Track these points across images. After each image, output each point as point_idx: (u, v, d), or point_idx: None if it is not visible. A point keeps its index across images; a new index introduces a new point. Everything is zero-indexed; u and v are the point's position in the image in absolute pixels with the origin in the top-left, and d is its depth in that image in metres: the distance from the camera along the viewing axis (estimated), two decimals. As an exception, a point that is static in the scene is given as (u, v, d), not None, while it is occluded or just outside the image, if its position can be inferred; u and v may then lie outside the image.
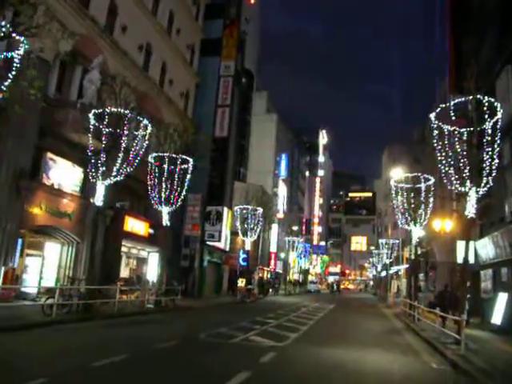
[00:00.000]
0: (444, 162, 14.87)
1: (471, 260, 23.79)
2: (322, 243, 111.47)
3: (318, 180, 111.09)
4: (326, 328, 18.03)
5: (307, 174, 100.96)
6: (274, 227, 60.93)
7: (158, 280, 28.63)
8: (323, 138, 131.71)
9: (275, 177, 64.72)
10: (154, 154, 22.86)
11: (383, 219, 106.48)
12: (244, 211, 36.16)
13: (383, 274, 64.40)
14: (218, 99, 38.89)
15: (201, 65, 39.09)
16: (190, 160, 23.25)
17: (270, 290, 53.21)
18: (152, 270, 30.35)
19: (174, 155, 22.74)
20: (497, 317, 18.81)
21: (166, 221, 23.21)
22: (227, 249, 41.30)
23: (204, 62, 39.39)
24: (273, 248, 61.10)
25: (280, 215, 63.55)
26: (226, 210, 38.09)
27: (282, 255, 63.69)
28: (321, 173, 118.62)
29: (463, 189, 14.50)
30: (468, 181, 14.34)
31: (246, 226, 36.03)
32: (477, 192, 14.28)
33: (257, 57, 66.56)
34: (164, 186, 22.33)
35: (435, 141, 15.33)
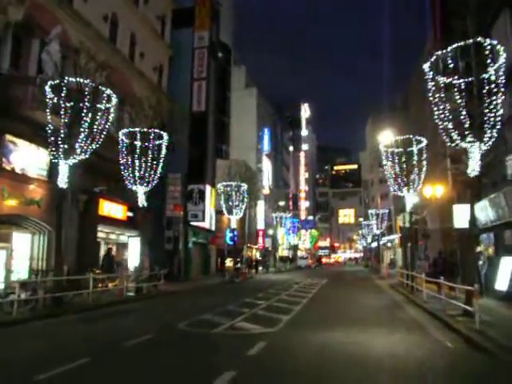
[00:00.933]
0: (442, 116, 13.36)
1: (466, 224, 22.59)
2: (311, 218, 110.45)
3: (302, 154, 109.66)
4: (320, 306, 16.60)
5: (291, 148, 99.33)
6: (260, 204, 59.47)
7: (139, 265, 27.16)
8: (305, 112, 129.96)
9: (258, 152, 63.01)
10: (125, 130, 21.03)
11: (370, 190, 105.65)
12: (228, 188, 34.53)
13: (374, 245, 63.55)
14: (193, 72, 36.97)
15: (174, 37, 36.92)
16: (165, 134, 21.44)
17: (260, 268, 52.07)
18: (134, 256, 28.71)
19: (146, 130, 20.92)
20: (502, 283, 17.52)
21: (142, 201, 21.54)
22: (213, 228, 39.78)
23: (177, 34, 37.23)
24: (260, 225, 59.73)
25: (266, 191, 62.09)
26: (208, 188, 36.46)
27: (270, 232, 62.40)
28: (305, 147, 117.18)
29: (465, 144, 13.02)
30: (469, 135, 12.85)
31: (230, 203, 34.43)
32: (480, 147, 12.83)
33: (233, 30, 64.10)
34: (138, 163, 20.56)
35: (431, 94, 13.79)
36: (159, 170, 21.27)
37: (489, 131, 12.67)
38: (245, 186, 34.56)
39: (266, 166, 64.78)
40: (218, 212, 39.29)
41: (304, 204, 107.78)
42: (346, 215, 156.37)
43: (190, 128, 35.81)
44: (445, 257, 23.78)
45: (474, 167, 13.01)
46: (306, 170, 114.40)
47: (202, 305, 16.90)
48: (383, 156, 23.20)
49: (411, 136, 21.97)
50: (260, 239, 59.68)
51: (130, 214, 28.11)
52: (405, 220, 24.69)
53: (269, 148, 64.90)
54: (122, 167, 20.79)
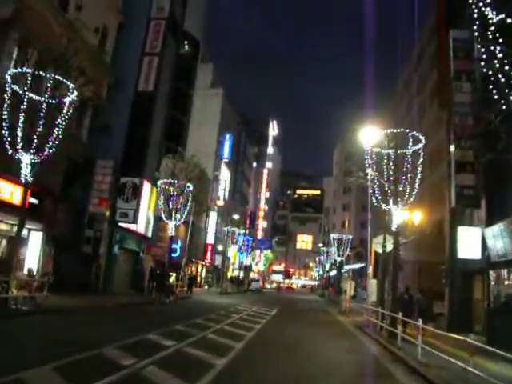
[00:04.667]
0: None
1: (473, 254, 17.10)
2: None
3: (265, 171, 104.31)
4: (260, 362, 10.30)
5: (254, 165, 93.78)
6: (213, 215, 53.32)
7: (37, 269, 20.78)
8: (273, 130, 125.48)
9: (217, 159, 56.99)
10: (13, 70, 14.69)
11: (331, 217, 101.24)
12: (170, 188, 28.25)
13: (333, 273, 58.14)
14: (145, 45, 30.89)
15: (128, 4, 30.86)
16: (70, 84, 15.17)
17: (206, 287, 45.71)
18: (33, 255, 22.12)
19: (41, 73, 14.62)
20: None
21: (25, 175, 15.06)
22: (149, 235, 33.29)
23: (132, 2, 31.25)
24: (210, 239, 53.33)
25: (220, 202, 55.93)
26: (147, 185, 30.12)
27: (222, 248, 56.10)
28: (269, 165, 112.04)
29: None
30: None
31: (170, 206, 28.13)
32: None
33: (203, 25, 58.59)
34: (22, 119, 14.18)
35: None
36: (58, 131, 14.85)
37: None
38: (190, 187, 28.34)
39: (224, 175, 58.73)
40: (160, 218, 32.85)
41: (262, 224, 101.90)
42: (304, 241, 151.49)
43: (133, 110, 29.66)
44: (411, 295, 18.70)
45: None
46: (268, 189, 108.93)
47: (67, 340, 10.45)
48: (367, 156, 17.57)
49: (407, 131, 16.39)
50: (208, 255, 53.24)
51: (35, 201, 21.53)
52: (384, 243, 19.02)
53: (229, 155, 58.89)
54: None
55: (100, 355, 8.55)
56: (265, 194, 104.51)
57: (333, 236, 44.89)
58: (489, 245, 15.20)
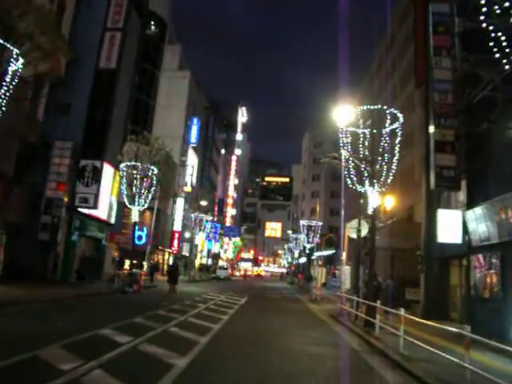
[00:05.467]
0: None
1: (453, 238, 16.30)
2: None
3: (234, 158, 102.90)
4: (227, 360, 8.97)
5: (223, 151, 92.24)
6: (180, 202, 51.75)
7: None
8: (242, 116, 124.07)
9: (185, 144, 55.30)
10: None
11: (300, 205, 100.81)
12: (133, 171, 26.67)
13: (302, 260, 57.54)
14: (107, 20, 29.02)
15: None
16: (14, 50, 13.51)
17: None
18: (-18, 243, 20.44)
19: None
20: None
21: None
22: (112, 221, 31.69)
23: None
24: (177, 226, 51.79)
25: (188, 189, 54.38)
26: (109, 168, 28.48)
27: (188, 235, 54.67)
28: (238, 152, 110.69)
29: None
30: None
31: (134, 190, 26.59)
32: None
33: (170, 5, 56.55)
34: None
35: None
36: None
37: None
38: (155, 170, 26.84)
39: (192, 160, 57.08)
40: (125, 205, 31.19)
41: (231, 211, 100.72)
42: (274, 228, 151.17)
43: (93, 88, 27.90)
44: (379, 282, 18.41)
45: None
46: (237, 176, 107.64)
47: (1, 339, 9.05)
48: (341, 135, 16.49)
49: (384, 107, 15.36)
50: (175, 242, 51.74)
51: (-17, 185, 20.00)
52: (359, 227, 18.07)
53: (197, 140, 57.19)
54: None
55: (36, 358, 7.24)
56: (233, 181, 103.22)
57: (302, 222, 43.94)
58: (470, 228, 14.38)
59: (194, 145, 57.53)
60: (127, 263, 30.55)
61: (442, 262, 19.03)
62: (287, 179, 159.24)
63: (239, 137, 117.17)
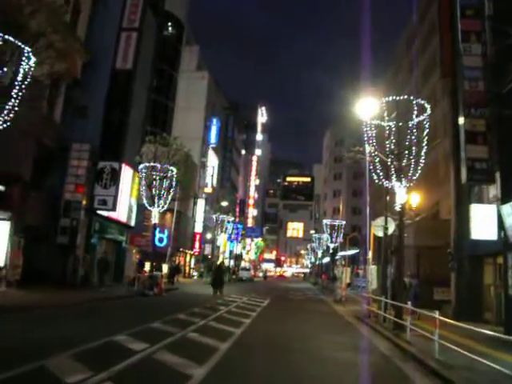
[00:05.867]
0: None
1: (487, 234, 15.40)
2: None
3: (254, 158, 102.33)
4: (249, 370, 8.35)
5: (243, 152, 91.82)
6: (201, 203, 51.39)
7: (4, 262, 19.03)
8: (262, 116, 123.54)
9: (205, 145, 54.93)
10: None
11: (322, 204, 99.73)
12: (152, 172, 26.27)
13: (325, 260, 56.64)
14: (123, 20, 28.73)
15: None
16: (25, 48, 13.10)
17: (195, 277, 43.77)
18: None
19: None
20: None
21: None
22: (132, 223, 31.36)
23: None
24: (198, 228, 51.43)
25: (208, 190, 54.00)
26: (127, 169, 28.16)
27: (209, 236, 54.26)
28: (258, 152, 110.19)
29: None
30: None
31: (153, 191, 26.19)
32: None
33: (187, 6, 56.22)
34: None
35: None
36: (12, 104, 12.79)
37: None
38: (174, 171, 26.38)
39: (212, 161, 56.74)
40: (145, 207, 30.78)
41: (252, 212, 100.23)
42: (295, 229, 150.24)
43: (110, 89, 27.63)
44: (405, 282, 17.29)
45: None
46: (258, 176, 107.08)
47: (6, 347, 8.53)
48: (366, 129, 15.70)
49: (411, 98, 14.52)
50: (196, 244, 51.38)
51: (0, 188, 19.79)
52: (386, 225, 17.28)
53: (216, 141, 56.81)
54: None
55: (43, 368, 6.71)
56: (254, 181, 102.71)
57: (325, 221, 43.14)
58: (507, 224, 13.48)
59: (214, 145, 57.17)
60: (148, 265, 30.22)
61: (474, 260, 18.09)
62: (308, 179, 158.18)
63: (259, 137, 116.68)
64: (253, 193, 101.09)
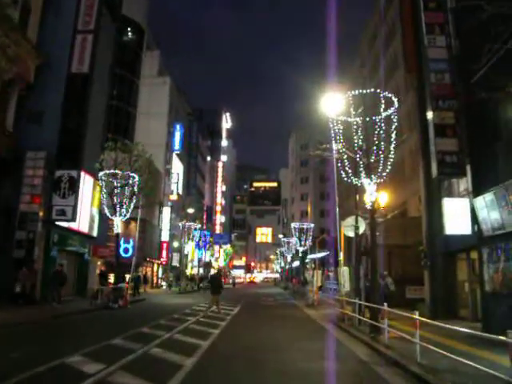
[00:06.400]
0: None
1: (461, 229, 15.02)
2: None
3: (220, 164, 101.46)
4: (218, 381, 7.71)
5: (209, 158, 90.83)
6: (167, 211, 50.22)
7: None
8: (227, 122, 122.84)
9: (169, 152, 53.79)
10: None
11: (289, 208, 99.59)
12: (112, 180, 25.20)
13: (295, 264, 56.15)
14: (77, 22, 27.50)
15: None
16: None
17: (164, 287, 42.41)
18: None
19: None
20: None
21: None
22: (94, 234, 30.05)
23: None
24: (164, 236, 50.19)
25: (173, 197, 52.86)
26: (88, 178, 26.97)
27: (176, 244, 53.02)
28: (224, 158, 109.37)
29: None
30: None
31: (115, 199, 25.14)
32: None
33: (146, 10, 55.21)
34: None
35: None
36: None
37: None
38: (136, 178, 25.38)
39: (177, 168, 55.64)
40: (108, 216, 29.54)
41: (220, 218, 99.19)
42: (264, 234, 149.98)
43: (66, 95, 26.35)
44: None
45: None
46: (224, 182, 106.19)
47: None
48: (331, 124, 15.15)
49: (378, 91, 14.03)
50: (164, 253, 50.13)
51: None
52: (357, 224, 16.78)
53: (180, 147, 55.75)
54: None
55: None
56: (221, 187, 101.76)
57: (293, 225, 42.59)
58: (480, 217, 13.09)
59: (178, 152, 56.13)
60: (112, 277, 29.01)
61: (447, 257, 17.75)
62: (275, 184, 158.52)
63: (224, 143, 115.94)
64: (220, 199, 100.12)
